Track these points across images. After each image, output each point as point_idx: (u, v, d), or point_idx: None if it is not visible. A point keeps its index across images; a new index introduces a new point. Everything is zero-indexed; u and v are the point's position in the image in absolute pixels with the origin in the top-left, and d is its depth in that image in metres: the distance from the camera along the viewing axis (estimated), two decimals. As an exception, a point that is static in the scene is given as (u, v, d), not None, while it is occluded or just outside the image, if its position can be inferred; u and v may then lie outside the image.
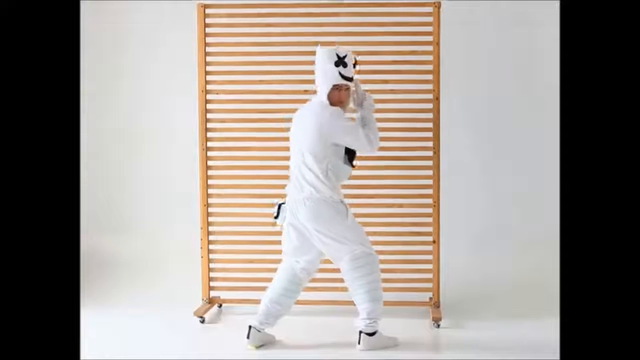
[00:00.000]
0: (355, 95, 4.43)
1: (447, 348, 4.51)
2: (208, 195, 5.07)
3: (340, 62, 4.31)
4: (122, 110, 6.34)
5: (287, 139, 4.48)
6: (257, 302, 4.95)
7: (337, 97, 4.36)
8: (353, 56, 4.37)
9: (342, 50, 4.35)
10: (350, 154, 4.39)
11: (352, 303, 4.47)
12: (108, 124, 6.34)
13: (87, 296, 5.28)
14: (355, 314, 4.43)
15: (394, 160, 5.01)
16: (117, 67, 6.30)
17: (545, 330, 4.62)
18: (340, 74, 4.31)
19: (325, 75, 4.34)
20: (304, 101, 4.55)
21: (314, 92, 4.48)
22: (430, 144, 4.94)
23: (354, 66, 4.37)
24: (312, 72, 4.45)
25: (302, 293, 4.59)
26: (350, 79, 4.35)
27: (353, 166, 4.43)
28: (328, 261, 4.51)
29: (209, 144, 5.05)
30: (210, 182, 5.07)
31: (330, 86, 4.34)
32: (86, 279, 5.62)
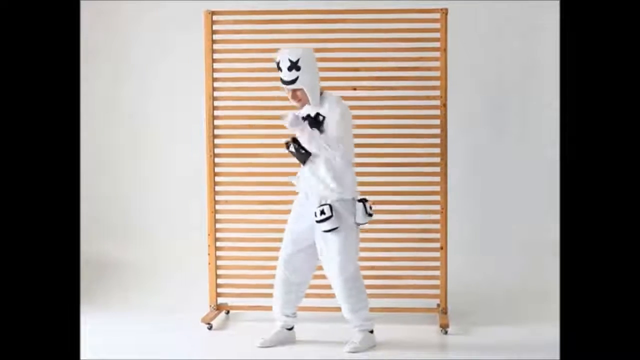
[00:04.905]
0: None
1: (455, 355, 4.50)
2: (216, 202, 5.07)
3: (278, 67, 4.33)
4: (130, 115, 6.33)
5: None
6: (265, 308, 4.96)
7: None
8: (278, 57, 4.33)
9: (278, 55, 4.35)
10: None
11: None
12: (116, 129, 6.33)
13: (92, 302, 5.30)
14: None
15: (401, 167, 5.01)
16: (124, 72, 6.30)
17: (557, 337, 4.58)
18: (280, 78, 4.35)
19: None
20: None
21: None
22: (437, 150, 4.94)
23: (278, 67, 4.31)
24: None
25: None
26: (285, 82, 4.32)
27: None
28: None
29: (217, 150, 5.06)
30: (217, 188, 5.08)
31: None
32: (92, 285, 5.64)
